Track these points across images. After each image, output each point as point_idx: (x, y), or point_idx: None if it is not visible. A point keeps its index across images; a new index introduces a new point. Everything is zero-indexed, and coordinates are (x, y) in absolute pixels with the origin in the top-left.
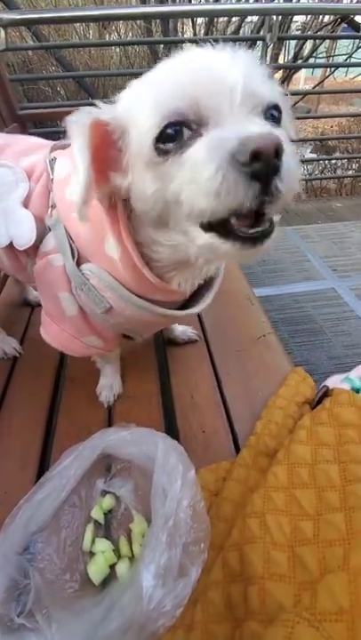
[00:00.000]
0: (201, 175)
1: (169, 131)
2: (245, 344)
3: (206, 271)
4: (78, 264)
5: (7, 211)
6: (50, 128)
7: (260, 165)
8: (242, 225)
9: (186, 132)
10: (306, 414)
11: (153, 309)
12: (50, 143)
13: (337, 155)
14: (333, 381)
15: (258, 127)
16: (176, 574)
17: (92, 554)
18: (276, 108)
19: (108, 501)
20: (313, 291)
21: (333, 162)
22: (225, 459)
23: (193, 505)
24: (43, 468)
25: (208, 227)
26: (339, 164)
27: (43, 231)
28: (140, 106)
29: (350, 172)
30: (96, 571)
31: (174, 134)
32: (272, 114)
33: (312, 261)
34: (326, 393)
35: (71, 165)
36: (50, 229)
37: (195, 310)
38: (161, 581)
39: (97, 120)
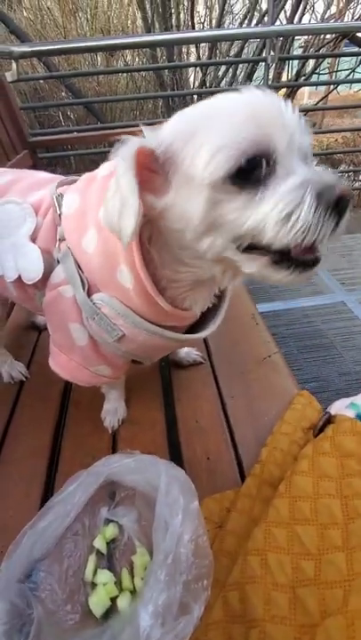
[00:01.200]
0: (291, 211)
1: (248, 164)
2: (250, 365)
3: (219, 287)
4: (89, 294)
5: (16, 245)
6: (60, 152)
7: (340, 207)
8: (299, 253)
9: (264, 168)
10: (309, 442)
11: (165, 334)
12: (57, 178)
13: (343, 167)
14: (338, 407)
15: (331, 175)
16: (176, 613)
17: (93, 584)
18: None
19: (111, 530)
20: (322, 305)
21: (340, 174)
22: (230, 486)
23: (195, 539)
24: (47, 494)
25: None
26: (345, 177)
27: (51, 264)
28: (207, 134)
29: (357, 185)
30: (97, 602)
31: (252, 168)
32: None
33: (320, 275)
34: (330, 420)
35: (112, 191)
36: (58, 262)
37: (204, 334)
38: (160, 621)
39: (142, 148)
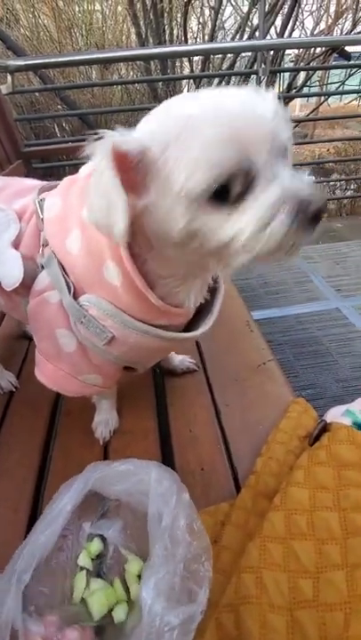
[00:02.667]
0: (266, 225)
1: (227, 182)
2: (245, 373)
3: (213, 276)
4: (75, 297)
5: None
6: (53, 163)
7: (316, 220)
8: None
9: (240, 183)
10: (304, 452)
11: (158, 333)
12: (42, 184)
13: (335, 176)
14: (334, 414)
15: (310, 183)
16: (179, 594)
17: (83, 600)
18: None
19: (95, 546)
20: (317, 311)
21: (332, 183)
22: (224, 498)
23: (190, 524)
24: (35, 509)
25: None
26: (337, 186)
27: (34, 270)
28: (186, 147)
29: (349, 193)
30: (97, 602)
31: (230, 185)
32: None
33: (315, 282)
34: (325, 428)
35: (94, 189)
36: (42, 267)
37: (199, 332)
38: (162, 597)
39: (117, 147)
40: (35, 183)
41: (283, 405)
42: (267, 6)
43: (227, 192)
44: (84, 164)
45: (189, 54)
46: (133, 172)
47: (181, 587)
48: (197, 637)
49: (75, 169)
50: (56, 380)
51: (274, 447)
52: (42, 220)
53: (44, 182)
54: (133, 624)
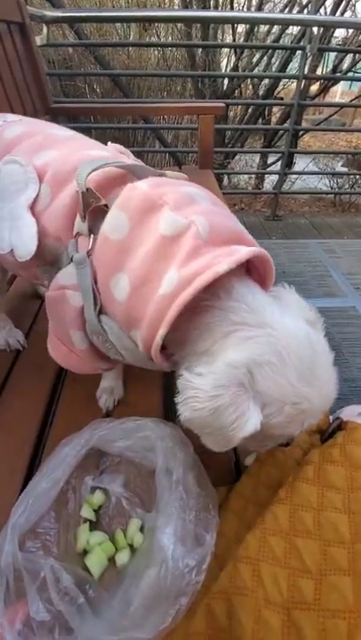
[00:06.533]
0: None
1: None
2: None
3: None
4: (99, 312)
5: (13, 214)
6: (80, 124)
7: None
8: None
9: None
10: (315, 448)
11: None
12: (74, 138)
13: None
14: (349, 413)
15: None
16: (192, 536)
17: (85, 552)
18: None
19: (97, 497)
20: (333, 307)
21: None
22: (223, 483)
23: (198, 476)
24: (31, 472)
25: None
26: None
27: (57, 249)
28: None
29: None
30: (95, 562)
31: None
32: None
33: (334, 277)
34: (340, 426)
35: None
36: (71, 260)
37: None
38: (180, 542)
39: None
40: (64, 135)
41: None
42: None
43: None
44: (112, 128)
45: (236, 21)
46: None
47: (194, 533)
48: (187, 618)
49: (102, 133)
50: (69, 362)
51: None
52: (84, 214)
53: (75, 134)
54: (136, 567)
